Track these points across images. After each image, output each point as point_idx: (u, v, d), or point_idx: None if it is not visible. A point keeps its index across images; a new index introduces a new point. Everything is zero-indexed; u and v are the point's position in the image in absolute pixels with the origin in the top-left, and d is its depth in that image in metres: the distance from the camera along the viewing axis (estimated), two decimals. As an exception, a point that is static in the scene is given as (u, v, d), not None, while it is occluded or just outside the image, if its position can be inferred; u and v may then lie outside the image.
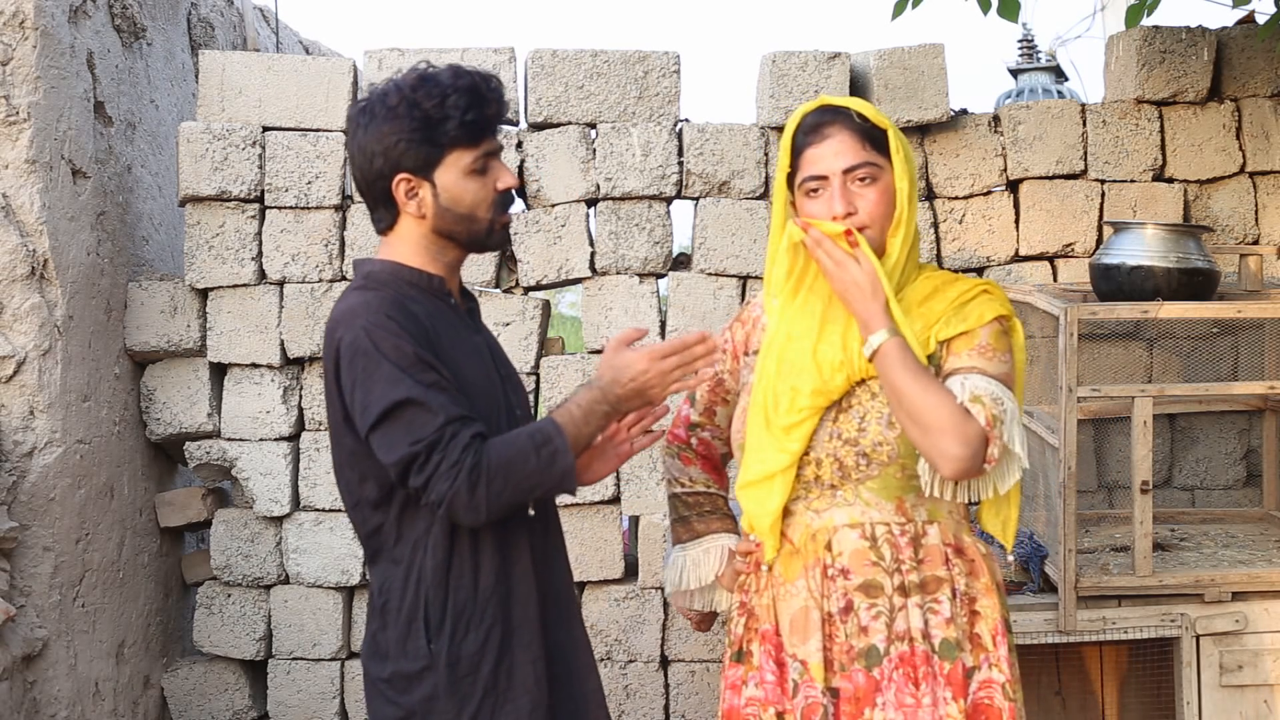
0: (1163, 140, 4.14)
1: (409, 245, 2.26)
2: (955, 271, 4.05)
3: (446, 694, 2.16)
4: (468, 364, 2.22)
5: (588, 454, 2.35)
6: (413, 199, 2.21)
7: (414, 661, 2.18)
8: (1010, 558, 3.34)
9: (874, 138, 2.20)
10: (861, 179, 2.19)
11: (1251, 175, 4.16)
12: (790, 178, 2.26)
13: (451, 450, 2.07)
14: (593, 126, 4.03)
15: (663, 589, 3.93)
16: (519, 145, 4.00)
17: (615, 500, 3.99)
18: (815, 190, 2.20)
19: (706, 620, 2.57)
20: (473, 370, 2.23)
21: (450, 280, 2.30)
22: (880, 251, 2.21)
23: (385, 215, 2.26)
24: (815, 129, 2.21)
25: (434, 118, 2.16)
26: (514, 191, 2.31)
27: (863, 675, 2.18)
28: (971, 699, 2.19)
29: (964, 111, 4.13)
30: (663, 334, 4.00)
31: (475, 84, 2.19)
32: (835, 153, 2.18)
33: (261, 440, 3.96)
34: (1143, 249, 3.37)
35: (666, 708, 4.00)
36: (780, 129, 4.01)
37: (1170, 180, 4.15)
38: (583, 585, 3.98)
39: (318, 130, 3.98)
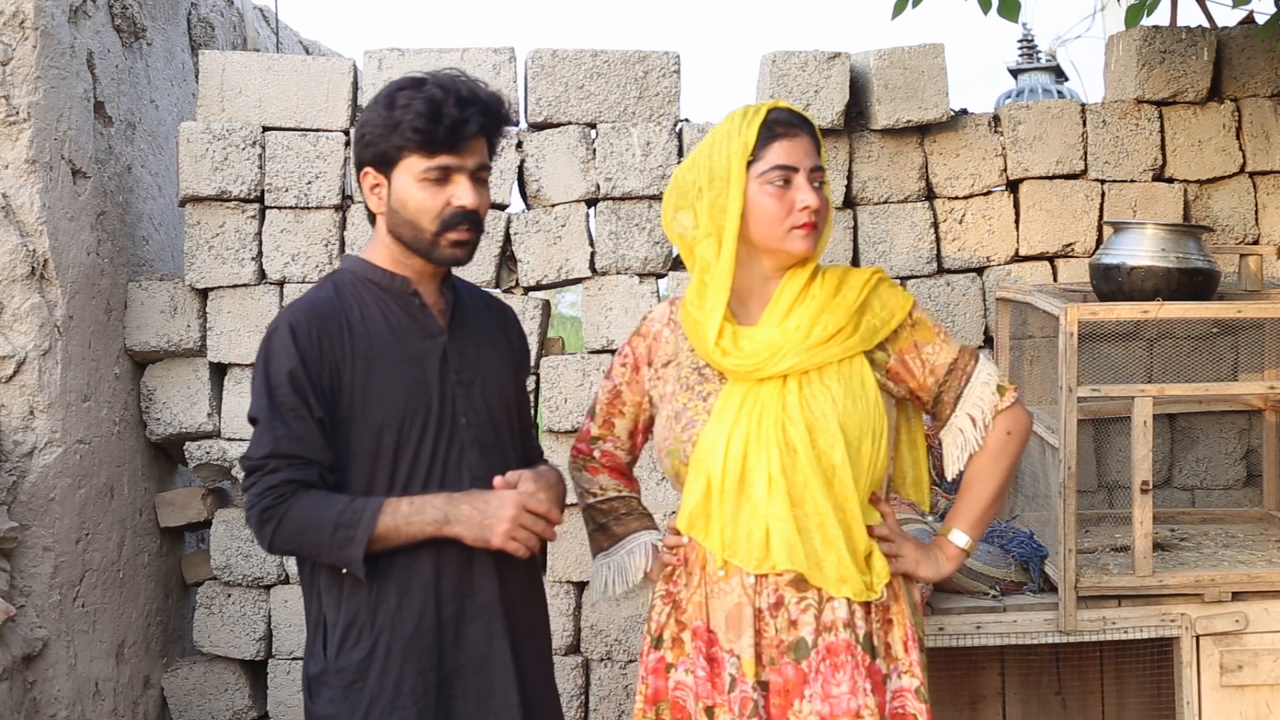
0: (1163, 140, 4.14)
1: (380, 242, 2.32)
2: (955, 272, 4.09)
3: (340, 699, 2.23)
4: (396, 370, 2.24)
5: None
6: (373, 193, 2.27)
7: (315, 665, 2.26)
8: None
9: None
10: (817, 183, 2.34)
11: (1251, 175, 4.16)
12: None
13: (260, 482, 2.17)
14: (593, 126, 4.03)
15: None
16: (519, 145, 4.00)
17: (615, 500, 3.98)
18: (782, 181, 2.30)
19: None
20: (398, 376, 2.24)
21: (419, 282, 2.31)
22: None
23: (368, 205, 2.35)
24: (791, 125, 2.34)
25: (392, 121, 2.19)
26: (479, 211, 2.25)
27: (792, 668, 2.26)
28: (888, 709, 2.28)
29: (964, 111, 4.13)
30: (663, 334, 3.99)
31: (437, 98, 2.17)
32: (806, 152, 2.33)
33: (261, 440, 3.96)
34: (1143, 249, 3.36)
35: (666, 708, 3.99)
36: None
37: (1170, 180, 4.15)
38: (583, 585, 3.98)
39: (318, 130, 3.98)
